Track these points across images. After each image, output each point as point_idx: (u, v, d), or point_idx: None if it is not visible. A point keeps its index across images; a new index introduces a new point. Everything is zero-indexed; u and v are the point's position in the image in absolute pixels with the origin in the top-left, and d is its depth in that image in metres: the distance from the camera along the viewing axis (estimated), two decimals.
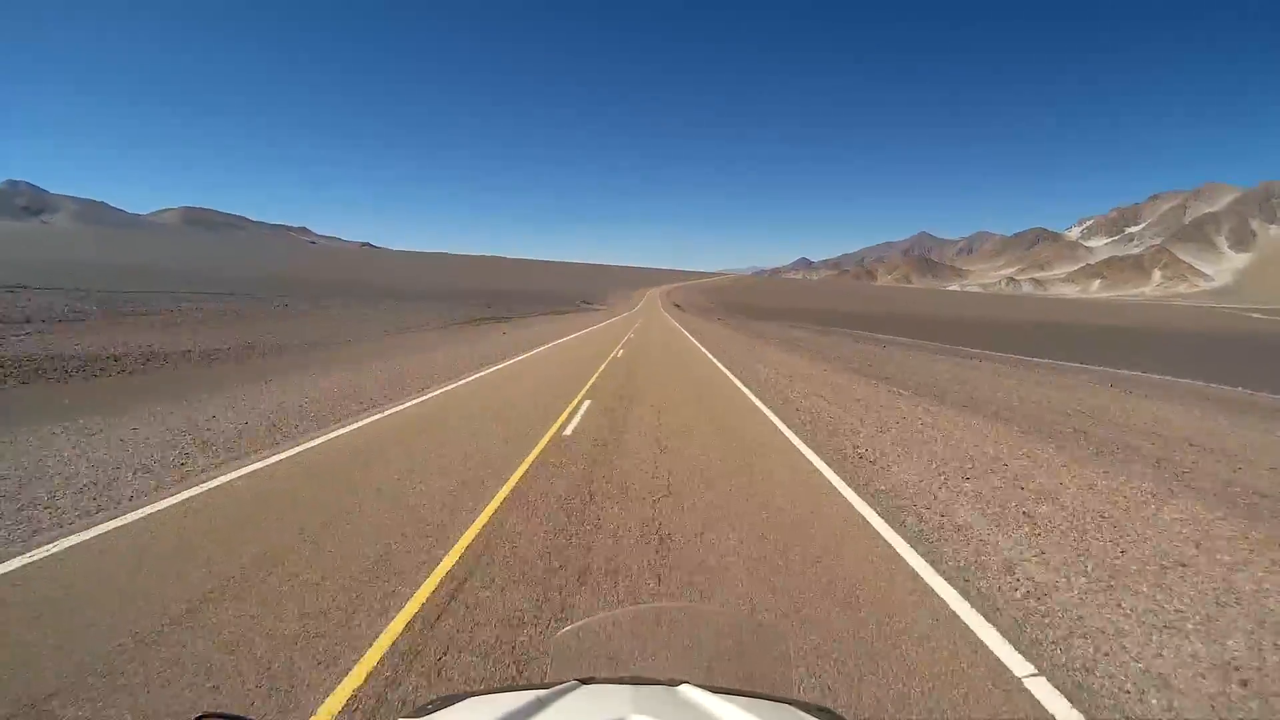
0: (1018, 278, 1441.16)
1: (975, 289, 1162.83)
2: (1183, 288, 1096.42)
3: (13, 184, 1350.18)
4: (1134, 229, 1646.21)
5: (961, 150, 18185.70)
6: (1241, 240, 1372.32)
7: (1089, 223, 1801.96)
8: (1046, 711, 3.46)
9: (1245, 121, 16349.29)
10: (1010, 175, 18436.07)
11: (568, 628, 2.02)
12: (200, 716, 1.08)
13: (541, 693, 1.24)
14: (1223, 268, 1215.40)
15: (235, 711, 2.80)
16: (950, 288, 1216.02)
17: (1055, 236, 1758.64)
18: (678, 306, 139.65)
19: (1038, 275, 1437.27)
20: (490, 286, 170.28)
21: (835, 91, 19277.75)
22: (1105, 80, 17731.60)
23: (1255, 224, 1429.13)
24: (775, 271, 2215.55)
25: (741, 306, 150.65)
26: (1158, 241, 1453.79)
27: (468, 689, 3.01)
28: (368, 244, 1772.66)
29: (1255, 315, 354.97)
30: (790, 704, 1.31)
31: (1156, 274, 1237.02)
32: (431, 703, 1.36)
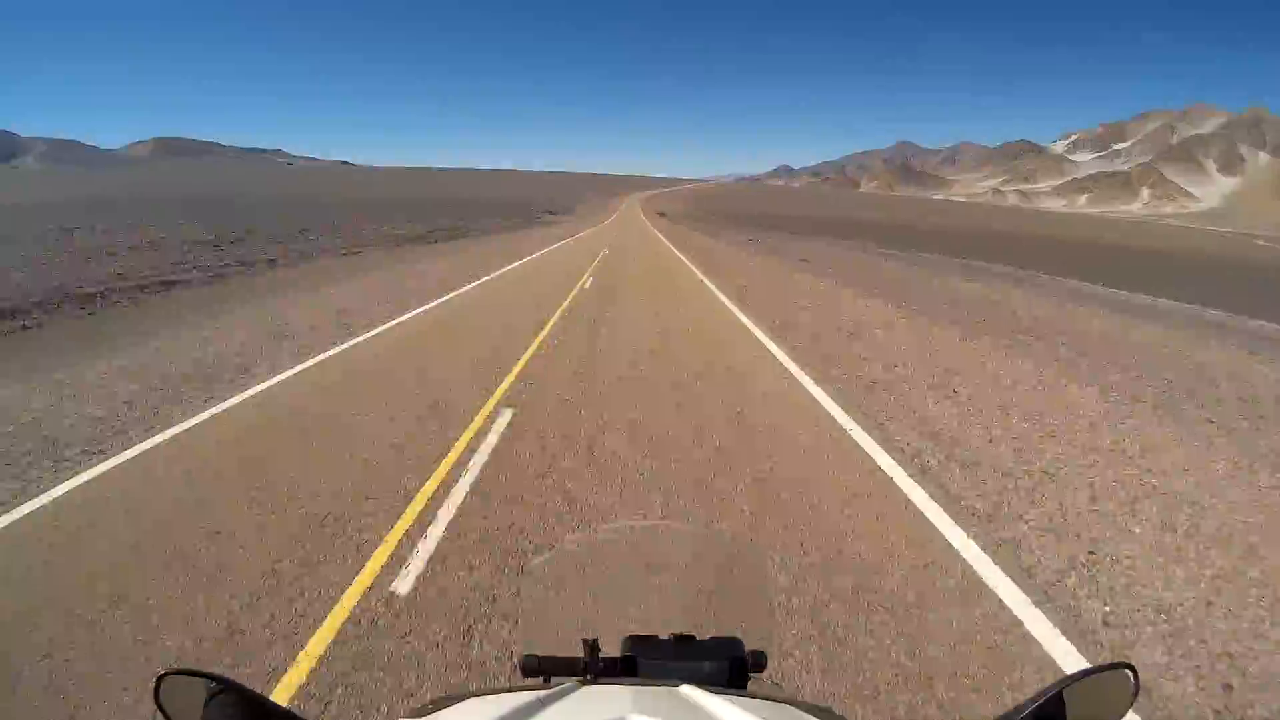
0: (1003, 189, 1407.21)
1: (960, 199, 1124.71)
2: (1170, 208, 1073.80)
3: None
4: (1120, 146, 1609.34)
5: (943, 56, 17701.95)
6: (1230, 164, 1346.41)
7: (1074, 137, 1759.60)
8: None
9: (1235, 44, 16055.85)
10: (993, 85, 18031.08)
11: (540, 558, 2.06)
12: (163, 674, 1.06)
13: (541, 693, 1.27)
14: (1210, 190, 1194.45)
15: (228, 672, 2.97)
16: (935, 197, 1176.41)
17: (1040, 149, 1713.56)
18: (663, 215, 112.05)
19: (1023, 187, 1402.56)
20: (449, 195, 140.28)
21: None
22: None
23: (1245, 149, 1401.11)
24: (756, 179, 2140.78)
25: (746, 217, 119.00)
26: (1145, 160, 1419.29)
27: (468, 690, 3.24)
28: (344, 162, 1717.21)
29: (1259, 242, 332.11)
30: (790, 704, 1.32)
31: (1145, 192, 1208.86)
32: (432, 703, 1.36)
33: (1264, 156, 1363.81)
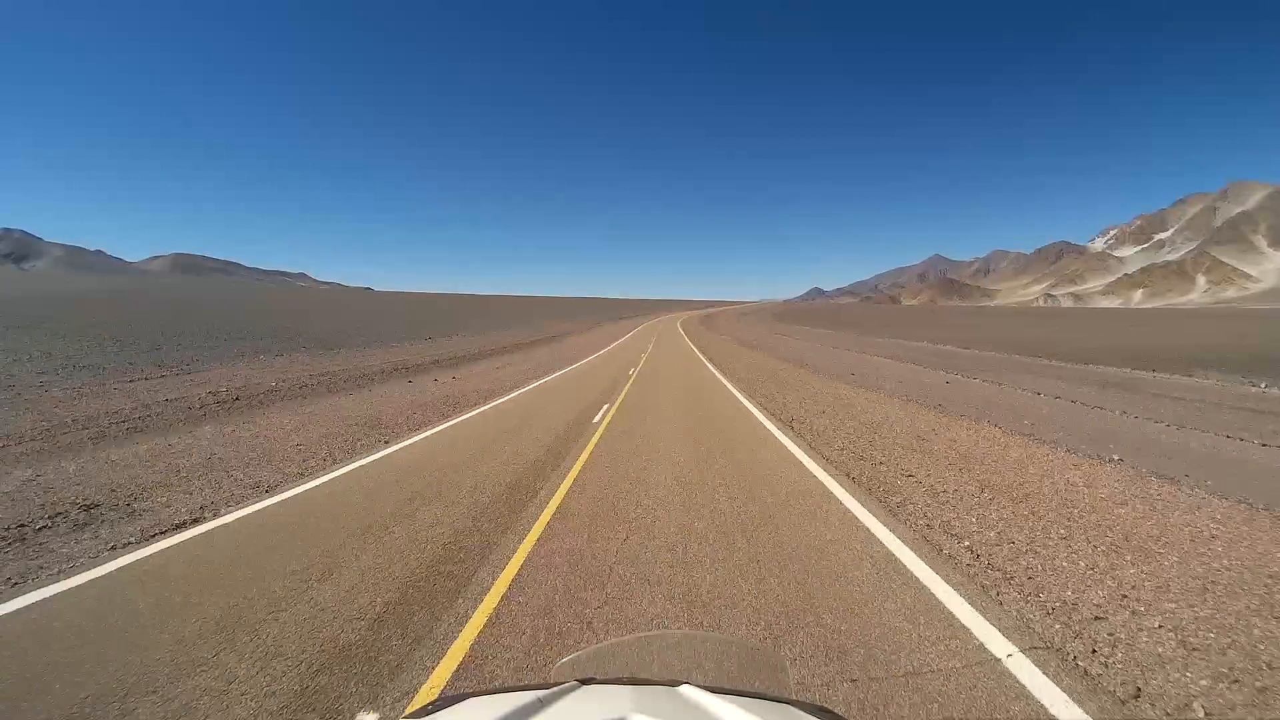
0: (1054, 292, 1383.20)
1: (1014, 306, 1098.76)
2: (1231, 291, 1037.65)
3: (7, 231, 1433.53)
4: (1163, 235, 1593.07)
5: (971, 169, 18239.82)
6: (1279, 238, 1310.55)
7: (1113, 233, 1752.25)
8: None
9: (1266, 115, 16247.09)
10: (1023, 191, 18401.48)
11: (566, 658, 2.07)
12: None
13: (542, 693, 1.22)
14: (1266, 267, 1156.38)
15: None
16: (993, 305, 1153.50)
17: (1080, 250, 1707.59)
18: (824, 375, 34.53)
19: (1074, 289, 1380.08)
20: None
21: (840, 117, 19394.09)
22: (1116, 88, 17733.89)
23: None
24: (787, 303, 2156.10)
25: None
26: (1192, 246, 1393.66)
27: (469, 690, 3.10)
28: (368, 288, 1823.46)
29: None
30: (789, 704, 1.30)
31: (1201, 279, 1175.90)
32: (432, 703, 1.34)
33: None
